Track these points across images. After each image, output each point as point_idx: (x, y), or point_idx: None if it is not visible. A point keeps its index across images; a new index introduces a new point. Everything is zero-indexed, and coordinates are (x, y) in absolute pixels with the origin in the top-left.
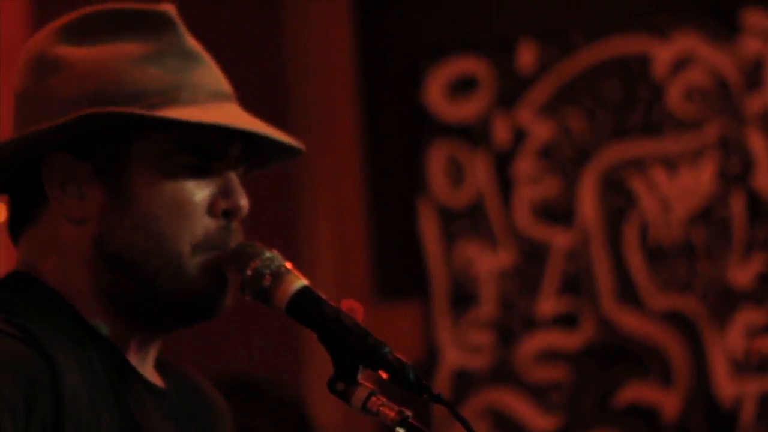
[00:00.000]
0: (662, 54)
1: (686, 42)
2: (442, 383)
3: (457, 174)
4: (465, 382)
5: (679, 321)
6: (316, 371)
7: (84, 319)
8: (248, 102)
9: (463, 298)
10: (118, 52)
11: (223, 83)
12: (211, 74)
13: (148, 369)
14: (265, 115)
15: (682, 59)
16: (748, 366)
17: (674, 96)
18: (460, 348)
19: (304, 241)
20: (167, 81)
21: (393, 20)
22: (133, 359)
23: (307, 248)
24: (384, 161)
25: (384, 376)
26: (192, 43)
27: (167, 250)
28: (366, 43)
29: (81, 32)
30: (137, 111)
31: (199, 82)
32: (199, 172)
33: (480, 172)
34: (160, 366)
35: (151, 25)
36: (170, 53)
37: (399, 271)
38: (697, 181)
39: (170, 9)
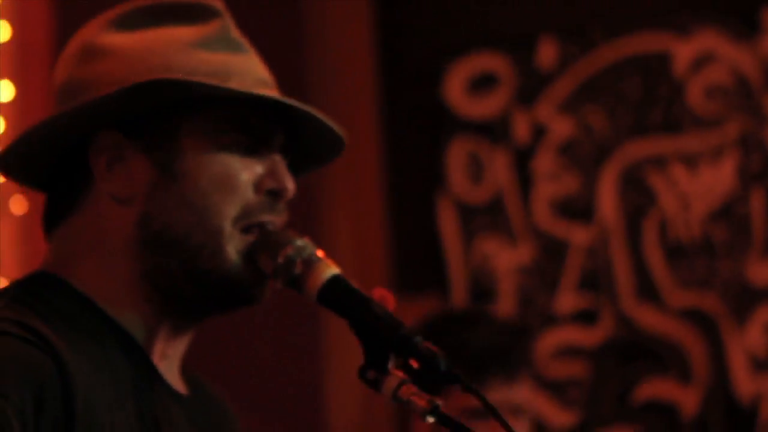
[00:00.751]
0: (683, 52)
1: (707, 40)
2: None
3: (476, 170)
4: None
5: (698, 318)
6: (334, 357)
7: (112, 319)
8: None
9: (481, 294)
10: (168, 38)
11: (267, 73)
12: (257, 63)
13: (174, 373)
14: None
15: (702, 57)
16: (767, 363)
17: (694, 94)
18: None
19: (323, 237)
20: (217, 65)
21: (413, 17)
22: (159, 363)
23: (326, 245)
24: (404, 158)
25: (415, 365)
26: (238, 33)
27: (208, 226)
28: (386, 40)
29: (129, 22)
30: (200, 80)
31: (248, 69)
32: (248, 151)
33: (499, 169)
34: (182, 373)
35: (199, 15)
36: (218, 41)
37: (418, 268)
38: (716, 179)
39: (218, 2)
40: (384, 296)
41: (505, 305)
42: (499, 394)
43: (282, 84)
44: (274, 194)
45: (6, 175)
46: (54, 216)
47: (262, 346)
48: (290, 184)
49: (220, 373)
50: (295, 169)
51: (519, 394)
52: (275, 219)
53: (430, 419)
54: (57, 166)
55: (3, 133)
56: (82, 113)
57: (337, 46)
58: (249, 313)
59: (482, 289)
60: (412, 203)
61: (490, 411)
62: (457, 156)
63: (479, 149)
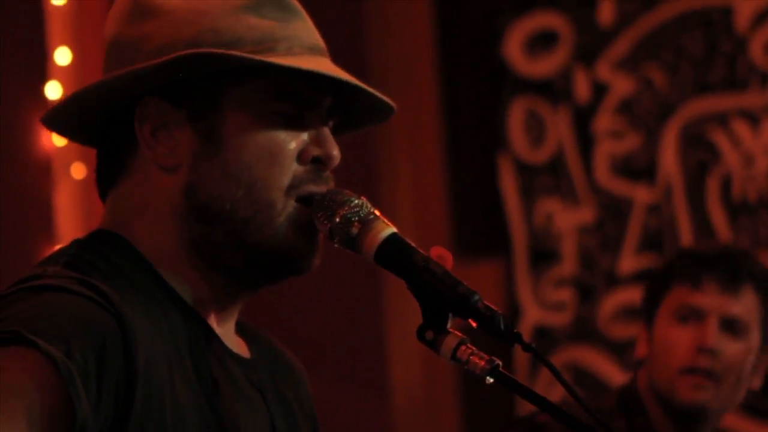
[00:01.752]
0: (745, 6)
1: None
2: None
3: (537, 130)
4: (546, 339)
5: None
6: (395, 317)
7: (167, 282)
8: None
9: (543, 255)
10: (217, 0)
11: (318, 38)
12: (307, 28)
13: (230, 336)
14: (345, 70)
15: (765, 11)
16: None
17: (757, 49)
18: (541, 305)
19: (383, 199)
20: (264, 31)
21: None
22: (214, 325)
23: (386, 207)
24: (463, 117)
25: (474, 324)
26: None
27: (257, 199)
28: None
29: None
30: (236, 54)
31: (296, 35)
32: (292, 120)
33: (560, 128)
34: (242, 332)
35: None
36: (268, 4)
37: (479, 229)
38: None
39: None
40: (442, 255)
41: (568, 266)
42: (716, 302)
43: (342, 49)
44: (320, 162)
45: (55, 132)
46: (107, 178)
47: (324, 307)
48: (335, 152)
49: (282, 334)
50: (345, 127)
51: (737, 307)
52: (324, 188)
53: (490, 380)
54: (106, 127)
55: (61, 98)
56: (126, 81)
57: (396, 4)
58: (311, 275)
59: (544, 249)
60: (472, 164)
61: (552, 370)
62: (517, 115)
63: (539, 108)
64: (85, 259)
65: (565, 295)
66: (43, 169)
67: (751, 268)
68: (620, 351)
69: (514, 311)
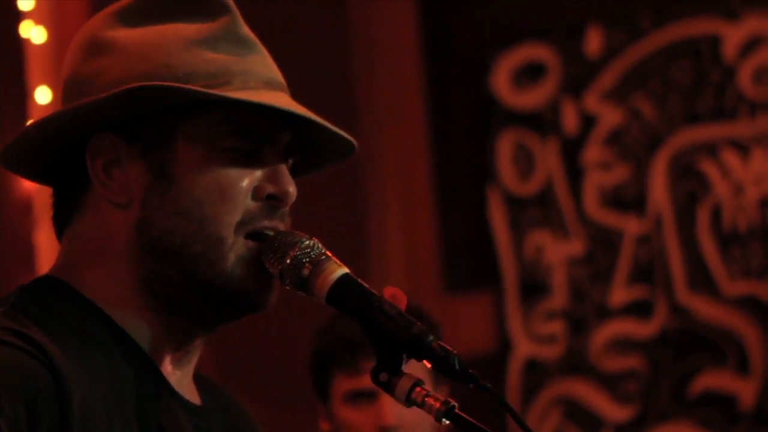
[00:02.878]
0: (732, 36)
1: (756, 23)
2: (514, 374)
3: (525, 162)
4: (537, 372)
5: (754, 307)
6: None
7: (118, 326)
8: (315, 91)
9: (534, 287)
10: (171, 34)
11: (275, 72)
12: (264, 63)
13: (185, 382)
14: (332, 105)
15: (752, 40)
16: None
17: (745, 78)
18: (532, 338)
19: (372, 232)
20: (219, 66)
21: (459, 8)
22: (168, 373)
23: (375, 240)
24: (452, 150)
25: (428, 365)
26: (246, 30)
27: (208, 235)
28: (433, 31)
29: (134, 15)
30: (188, 87)
31: (252, 70)
32: (247, 156)
33: (549, 160)
34: (197, 380)
35: (207, 10)
36: (224, 39)
37: (469, 262)
38: None
39: None
40: (395, 295)
41: (558, 299)
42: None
43: (328, 78)
44: (275, 199)
45: (8, 169)
46: (61, 217)
47: (300, 348)
48: (291, 188)
49: (257, 373)
50: (308, 167)
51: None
52: (278, 224)
53: (446, 421)
54: (58, 164)
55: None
56: (76, 114)
57: (384, 39)
58: (284, 312)
59: (534, 282)
60: (461, 197)
61: (509, 411)
62: (505, 148)
63: (528, 140)
64: (24, 309)
65: (556, 327)
66: (24, 208)
67: None
68: (613, 383)
69: (504, 345)
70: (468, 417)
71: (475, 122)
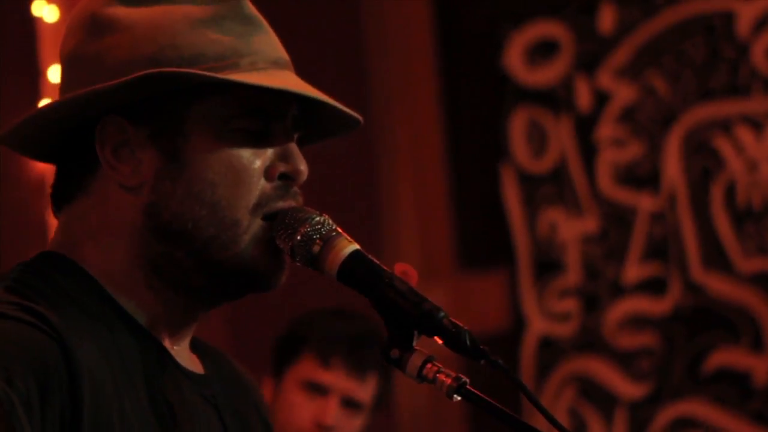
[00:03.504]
0: (746, 11)
1: None
2: (528, 352)
3: (539, 139)
4: (551, 350)
5: None
6: None
7: (117, 303)
8: (327, 70)
9: (547, 265)
10: (177, 14)
11: (281, 51)
12: (270, 41)
13: (184, 354)
14: (345, 82)
15: (766, 16)
16: None
17: (759, 54)
18: (546, 316)
19: (386, 211)
20: (226, 46)
21: None
22: (168, 345)
23: (389, 218)
24: (465, 128)
25: (439, 341)
26: (252, 9)
27: (222, 219)
28: (445, 8)
29: None
30: (199, 72)
31: (259, 49)
32: (257, 136)
33: (562, 137)
34: (194, 347)
35: None
36: (230, 18)
37: (482, 240)
38: None
39: None
40: (406, 272)
41: (572, 276)
42: (341, 383)
43: (341, 55)
44: (288, 178)
45: (13, 150)
46: (63, 194)
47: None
48: (303, 167)
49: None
50: (313, 137)
51: (360, 393)
52: (291, 203)
53: (457, 397)
54: (65, 145)
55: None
56: (86, 100)
57: (396, 17)
58: (315, 288)
59: (548, 260)
60: (475, 174)
61: (519, 387)
62: (519, 125)
63: (541, 118)
64: (28, 283)
65: (570, 305)
66: (38, 188)
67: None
68: (626, 360)
69: (519, 322)
70: (480, 393)
71: (488, 99)
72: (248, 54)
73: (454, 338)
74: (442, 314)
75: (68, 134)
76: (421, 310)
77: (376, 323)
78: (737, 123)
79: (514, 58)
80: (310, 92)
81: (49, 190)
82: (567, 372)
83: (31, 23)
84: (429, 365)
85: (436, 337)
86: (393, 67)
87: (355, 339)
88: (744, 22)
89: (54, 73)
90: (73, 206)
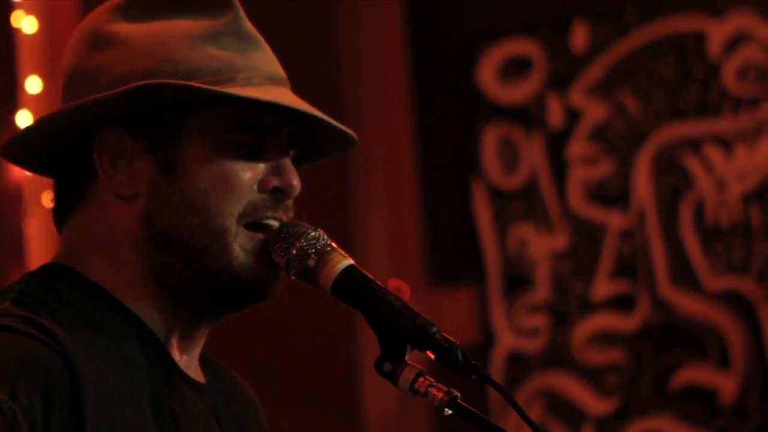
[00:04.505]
0: (717, 32)
1: (742, 20)
2: (497, 367)
3: (510, 156)
4: (520, 365)
5: (736, 302)
6: (370, 349)
7: (128, 310)
8: (301, 83)
9: (517, 281)
10: (176, 30)
11: (278, 68)
12: (267, 58)
13: (192, 364)
14: (318, 97)
15: (737, 37)
16: None
17: (729, 74)
18: (515, 331)
19: (357, 224)
20: (224, 61)
21: (446, 2)
22: (176, 354)
23: (360, 232)
24: (437, 144)
25: (431, 356)
26: (249, 26)
27: (213, 227)
28: (419, 24)
29: (138, 10)
30: (196, 85)
31: (255, 65)
32: (252, 150)
33: (534, 154)
34: (202, 361)
35: (211, 6)
36: (228, 34)
37: (453, 255)
38: (753, 160)
39: None
40: (399, 287)
41: (541, 292)
42: None
43: (314, 69)
44: (280, 192)
45: (12, 162)
46: (63, 207)
47: (299, 338)
48: (295, 181)
49: (256, 366)
50: (308, 157)
51: None
52: (281, 216)
53: (448, 411)
54: (64, 156)
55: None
56: (85, 111)
57: (371, 32)
58: (283, 302)
59: (518, 275)
60: (446, 190)
61: (510, 402)
62: (491, 142)
63: (513, 134)
64: (33, 296)
65: (539, 320)
66: (14, 198)
67: None
68: (594, 376)
69: (488, 337)
70: (470, 407)
71: (461, 115)
72: (244, 69)
73: (446, 353)
74: (434, 329)
75: (67, 145)
76: (414, 324)
77: None
78: (707, 142)
79: (487, 75)
80: (304, 107)
81: (26, 200)
82: (535, 387)
83: (10, 34)
84: (421, 379)
85: (428, 352)
86: (366, 82)
87: None
88: (715, 43)
89: (32, 84)
90: (73, 219)
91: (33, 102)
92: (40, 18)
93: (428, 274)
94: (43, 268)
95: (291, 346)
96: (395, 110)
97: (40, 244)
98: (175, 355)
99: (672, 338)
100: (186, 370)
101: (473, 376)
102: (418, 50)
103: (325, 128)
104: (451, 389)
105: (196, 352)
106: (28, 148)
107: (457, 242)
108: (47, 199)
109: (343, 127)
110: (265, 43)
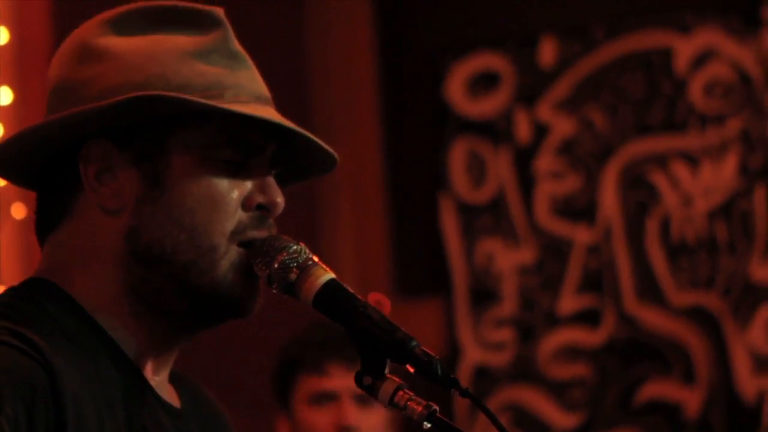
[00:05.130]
0: (684, 49)
1: (708, 37)
2: (463, 380)
3: (478, 170)
4: (486, 379)
5: (701, 317)
6: None
7: (103, 330)
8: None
9: (484, 295)
10: (166, 45)
11: (264, 88)
12: (254, 78)
13: (163, 385)
14: (287, 112)
15: (704, 54)
16: None
17: (696, 91)
18: (482, 345)
19: (325, 238)
20: (212, 78)
21: (414, 16)
22: (150, 376)
23: (328, 245)
24: (405, 157)
25: (411, 370)
26: (237, 45)
27: (200, 244)
28: (387, 39)
29: (128, 25)
30: (184, 97)
31: (243, 84)
32: (237, 167)
33: (501, 168)
34: (171, 379)
35: (200, 23)
36: (217, 51)
37: (420, 268)
38: (719, 176)
39: (220, 11)
40: (380, 301)
41: (508, 306)
42: (345, 383)
43: (282, 84)
44: (264, 209)
45: None
46: (46, 220)
47: (265, 351)
48: (279, 199)
49: (220, 379)
50: (288, 178)
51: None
52: (266, 234)
53: (427, 425)
54: (49, 168)
55: (1, 138)
56: (72, 122)
57: (339, 45)
58: (252, 319)
59: (485, 289)
60: (413, 204)
61: (489, 416)
62: (458, 156)
63: (481, 149)
64: (16, 308)
65: (506, 335)
66: None
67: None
68: (560, 390)
69: (454, 351)
70: (448, 421)
71: (429, 129)
72: (233, 87)
73: (425, 367)
74: (414, 343)
75: (51, 158)
76: (394, 338)
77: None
78: (673, 158)
79: (455, 89)
80: (290, 125)
81: None
82: (501, 401)
83: None
84: (401, 393)
85: (408, 366)
86: (335, 96)
87: (338, 338)
88: (682, 59)
89: (3, 95)
90: (56, 233)
91: (4, 113)
92: (10, 29)
93: (395, 288)
94: (26, 283)
95: (257, 362)
96: (364, 124)
97: (10, 256)
98: (147, 374)
99: (637, 353)
100: (158, 391)
101: (453, 390)
102: (386, 64)
103: (307, 149)
104: (430, 403)
105: (166, 372)
106: (11, 160)
107: (424, 256)
108: (17, 211)
109: (328, 148)
110: (252, 63)
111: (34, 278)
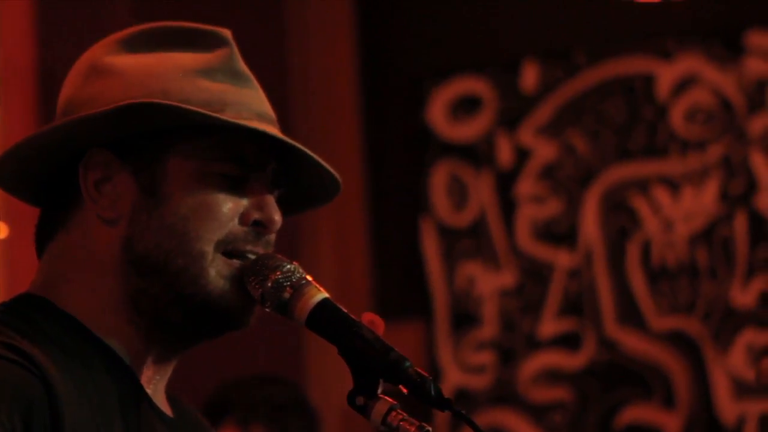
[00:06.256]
0: (666, 75)
1: (690, 63)
2: None
3: (459, 193)
4: (466, 402)
5: (681, 342)
6: (317, 377)
7: (99, 340)
8: None
9: (464, 318)
10: (170, 62)
11: (268, 108)
12: (258, 97)
13: (159, 396)
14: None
15: (685, 80)
16: (750, 387)
17: (677, 117)
18: (462, 368)
19: (306, 260)
20: (214, 94)
21: (396, 40)
22: (147, 385)
23: (309, 268)
24: (386, 180)
25: (404, 390)
26: (243, 65)
27: (190, 250)
28: (369, 62)
29: (135, 43)
30: (184, 106)
31: (245, 101)
32: (236, 183)
33: (482, 192)
34: (166, 395)
35: (206, 42)
36: (221, 70)
37: (401, 291)
38: (699, 202)
39: (226, 32)
40: (373, 321)
41: (488, 329)
42: None
43: None
44: (261, 226)
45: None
46: (46, 233)
47: (246, 367)
48: (276, 216)
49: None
50: (291, 205)
51: None
52: (260, 250)
53: None
54: (48, 180)
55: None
56: (73, 129)
57: (320, 69)
58: (232, 337)
59: (465, 312)
60: (395, 227)
61: None
62: (440, 179)
63: (462, 172)
64: (10, 323)
65: (486, 358)
66: None
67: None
68: (540, 414)
69: (434, 374)
70: None
71: (410, 153)
72: (235, 104)
73: (419, 387)
74: (407, 364)
75: (51, 168)
76: (388, 359)
77: (301, 391)
78: (654, 183)
79: (437, 113)
80: (293, 142)
81: None
82: (482, 424)
83: None
84: (393, 413)
85: (401, 386)
86: (316, 119)
87: (275, 406)
88: (663, 85)
89: None
90: (53, 244)
91: None
92: None
93: (376, 310)
94: (17, 299)
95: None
96: (345, 147)
97: None
98: (144, 383)
99: (617, 377)
100: (154, 401)
101: (446, 411)
102: (368, 87)
103: (309, 173)
104: (423, 423)
105: (164, 383)
106: (12, 171)
107: (405, 278)
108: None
109: (329, 167)
110: (257, 82)
111: (25, 294)
